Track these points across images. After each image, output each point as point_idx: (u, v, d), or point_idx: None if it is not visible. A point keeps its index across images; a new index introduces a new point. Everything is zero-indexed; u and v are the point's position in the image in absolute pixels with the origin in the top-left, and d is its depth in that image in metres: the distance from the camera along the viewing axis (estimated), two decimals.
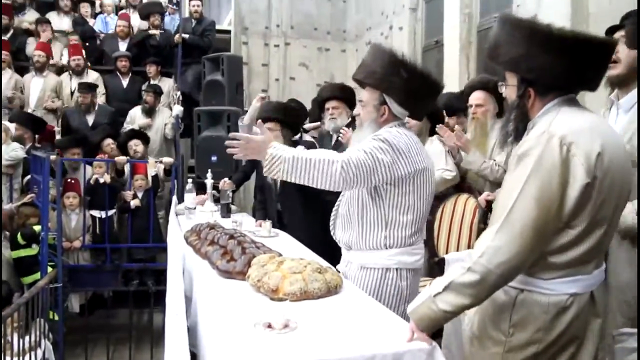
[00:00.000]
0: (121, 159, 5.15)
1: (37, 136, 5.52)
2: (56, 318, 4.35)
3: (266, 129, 1.82)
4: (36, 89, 6.08)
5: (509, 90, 1.64)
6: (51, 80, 6.17)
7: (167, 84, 6.42)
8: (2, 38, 6.09)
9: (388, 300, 2.15)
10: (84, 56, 6.28)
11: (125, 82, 6.37)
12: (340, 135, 3.39)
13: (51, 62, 6.28)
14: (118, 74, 6.35)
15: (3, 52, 5.90)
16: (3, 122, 5.34)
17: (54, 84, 6.17)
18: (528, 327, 1.53)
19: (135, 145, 5.35)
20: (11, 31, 6.50)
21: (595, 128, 1.50)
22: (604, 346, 2.11)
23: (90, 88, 5.84)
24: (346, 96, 3.70)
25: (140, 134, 5.54)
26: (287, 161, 1.94)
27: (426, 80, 2.18)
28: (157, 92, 6.01)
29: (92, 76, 6.26)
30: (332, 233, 2.36)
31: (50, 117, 6.04)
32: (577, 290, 1.51)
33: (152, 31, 6.68)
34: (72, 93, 6.19)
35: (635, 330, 1.88)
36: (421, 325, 1.52)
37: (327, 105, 3.67)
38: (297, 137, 3.61)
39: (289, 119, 3.42)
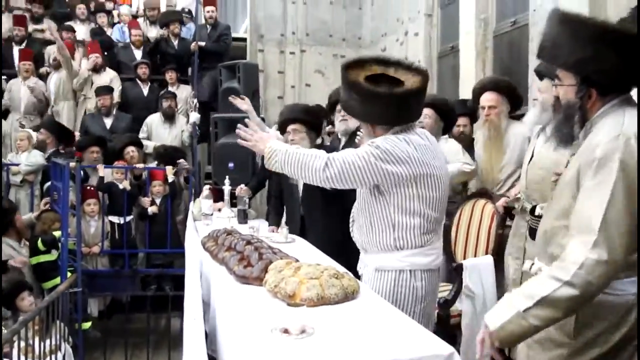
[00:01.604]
0: (139, 166, 5.21)
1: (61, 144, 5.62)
2: (84, 327, 4.41)
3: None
4: (54, 83, 6.20)
5: (565, 90, 1.60)
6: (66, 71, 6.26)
7: (184, 92, 6.49)
8: (23, 47, 6.24)
9: (403, 302, 2.15)
10: (102, 53, 6.39)
11: (145, 90, 6.44)
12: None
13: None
14: (138, 81, 6.42)
15: (26, 61, 6.04)
16: (26, 129, 5.46)
17: (70, 74, 6.26)
18: (594, 329, 1.52)
19: (132, 151, 5.38)
20: (25, 42, 6.62)
21: None
22: None
23: (108, 90, 5.95)
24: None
25: (136, 142, 5.56)
26: (281, 153, 2.14)
27: (370, 90, 2.11)
28: (176, 98, 6.08)
29: (109, 74, 6.36)
30: (352, 236, 2.38)
31: (68, 107, 6.17)
32: None
33: (164, 32, 6.76)
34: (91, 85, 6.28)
35: None
36: (507, 341, 1.50)
37: (338, 107, 3.65)
38: (319, 141, 3.62)
39: (313, 119, 3.45)
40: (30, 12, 7.07)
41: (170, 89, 6.36)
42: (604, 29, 1.46)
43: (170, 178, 5.17)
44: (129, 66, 6.62)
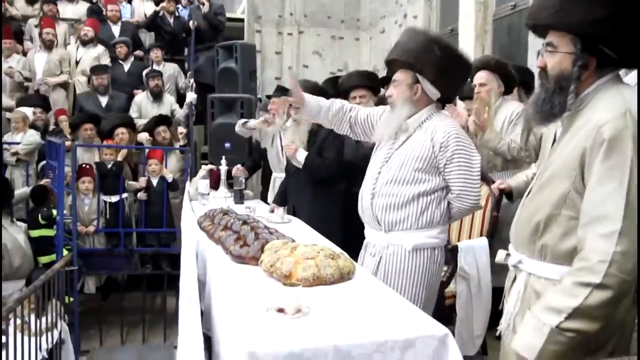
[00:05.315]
0: (140, 143, 5.21)
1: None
2: (72, 299, 4.42)
3: None
4: (41, 63, 6.12)
5: (560, 58, 1.46)
6: (56, 54, 6.20)
7: (169, 69, 6.41)
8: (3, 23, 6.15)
9: (430, 280, 2.24)
10: (97, 32, 6.34)
11: (127, 67, 6.37)
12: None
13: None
14: (119, 60, 6.35)
15: (7, 40, 5.96)
16: (20, 110, 5.41)
17: (58, 57, 6.20)
18: None
19: (122, 133, 5.34)
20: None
21: None
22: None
23: (104, 69, 5.90)
24: (372, 84, 3.62)
25: (128, 123, 5.52)
26: None
27: (458, 60, 2.21)
28: (162, 76, 6.02)
29: (97, 50, 6.30)
30: (366, 214, 2.32)
31: (59, 92, 6.10)
32: None
33: (161, 6, 6.71)
34: (77, 62, 6.23)
35: None
36: None
37: (352, 94, 3.53)
38: None
39: (377, 84, 3.57)
40: None
41: (155, 67, 6.27)
42: None
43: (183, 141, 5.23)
44: (107, 44, 6.50)
